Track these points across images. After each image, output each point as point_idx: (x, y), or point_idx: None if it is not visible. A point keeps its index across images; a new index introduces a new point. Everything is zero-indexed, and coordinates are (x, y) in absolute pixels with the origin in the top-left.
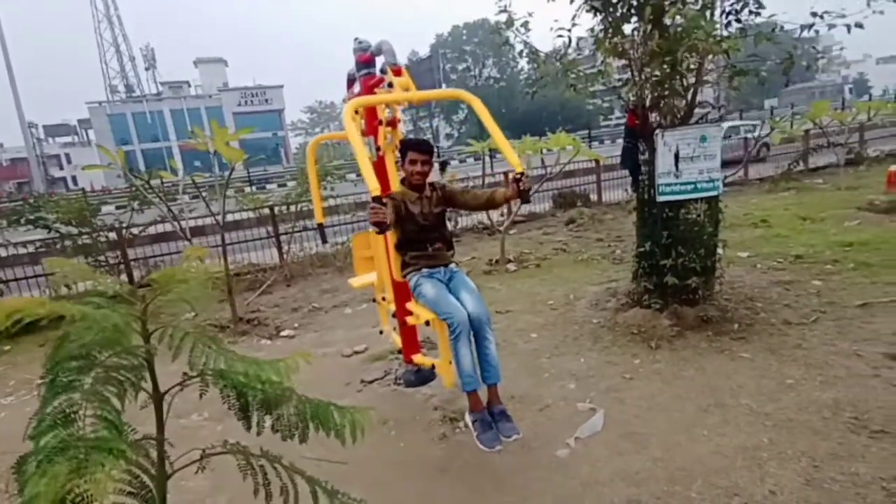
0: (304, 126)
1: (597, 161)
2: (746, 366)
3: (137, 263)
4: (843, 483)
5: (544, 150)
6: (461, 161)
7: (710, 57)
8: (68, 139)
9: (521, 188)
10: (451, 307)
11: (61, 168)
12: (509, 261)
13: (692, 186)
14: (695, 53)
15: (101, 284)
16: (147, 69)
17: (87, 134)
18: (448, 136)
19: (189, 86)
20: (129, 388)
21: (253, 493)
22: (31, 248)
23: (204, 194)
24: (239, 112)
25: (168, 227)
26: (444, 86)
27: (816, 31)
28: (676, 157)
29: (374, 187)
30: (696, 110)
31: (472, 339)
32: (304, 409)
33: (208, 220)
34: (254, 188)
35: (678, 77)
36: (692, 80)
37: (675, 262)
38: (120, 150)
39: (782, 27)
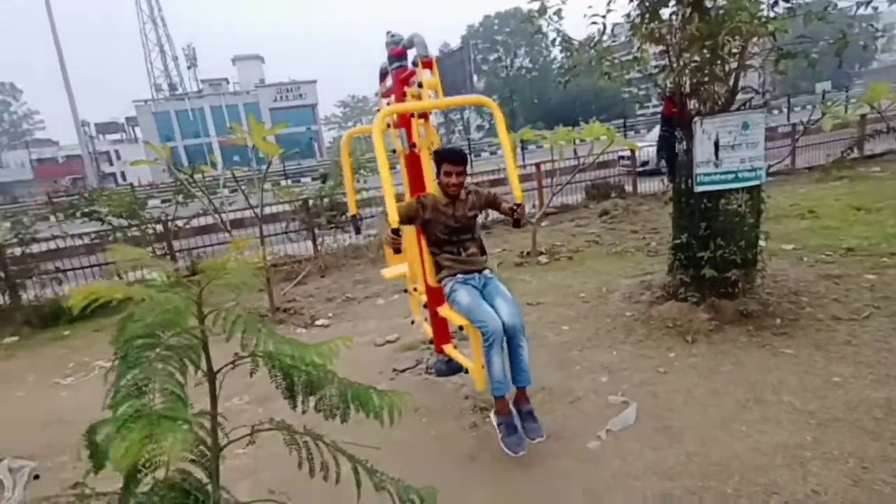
0: (337, 120)
1: (632, 151)
2: (789, 362)
3: (182, 254)
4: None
5: (577, 141)
6: (492, 153)
7: (755, 40)
8: (117, 136)
9: (515, 217)
10: (486, 315)
11: (111, 164)
12: (541, 253)
13: (733, 176)
14: (737, 36)
15: (160, 271)
16: (189, 68)
17: (134, 131)
18: (479, 127)
19: (228, 83)
20: (189, 365)
21: (297, 467)
22: (86, 240)
23: (243, 188)
24: (274, 108)
25: (209, 219)
26: (474, 77)
27: (875, 8)
28: (716, 145)
29: (393, 220)
30: (739, 96)
31: (505, 346)
32: (345, 391)
33: (247, 213)
34: (289, 181)
35: (719, 62)
36: (734, 64)
37: (713, 255)
38: (166, 146)
39: (836, 5)
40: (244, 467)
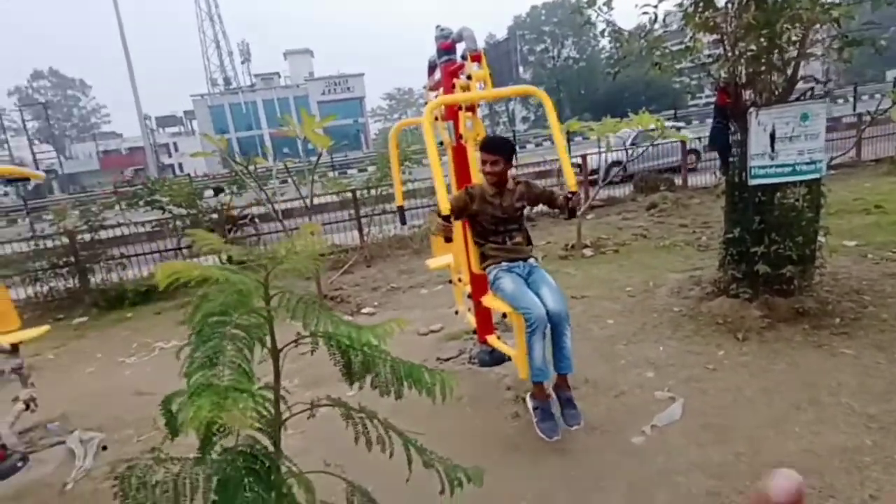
0: (384, 112)
1: (683, 143)
2: (849, 363)
3: (234, 243)
4: None
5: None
6: (537, 145)
7: (817, 27)
8: (175, 129)
9: (570, 206)
10: (530, 302)
11: (169, 155)
12: (586, 246)
13: (790, 169)
14: (798, 24)
15: (234, 253)
16: (243, 63)
17: (191, 124)
18: (524, 119)
19: (279, 77)
20: (256, 341)
21: (354, 441)
22: (147, 228)
23: (294, 178)
24: (323, 101)
25: (260, 209)
26: (520, 68)
27: None
28: (772, 137)
29: (444, 207)
30: (798, 86)
31: (549, 334)
32: (398, 369)
33: (296, 204)
34: (336, 173)
35: (777, 51)
36: (794, 53)
37: (767, 250)
38: (223, 139)
39: None
40: (295, 447)
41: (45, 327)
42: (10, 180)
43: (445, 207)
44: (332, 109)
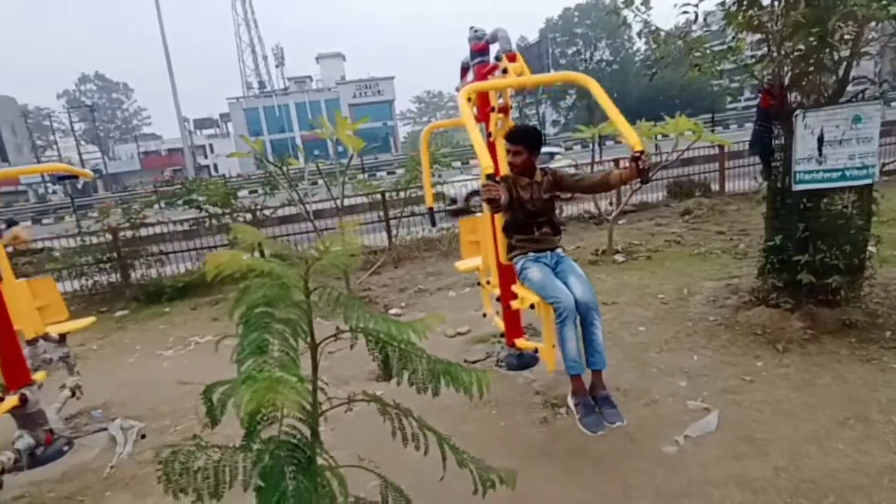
0: (413, 115)
1: (720, 147)
2: None
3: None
4: None
5: (659, 136)
6: (567, 148)
7: (872, 25)
8: (211, 131)
9: (641, 167)
10: (559, 291)
11: (205, 157)
12: (617, 251)
13: (839, 174)
14: (851, 22)
15: (276, 249)
16: (277, 66)
17: (226, 126)
18: (555, 122)
19: (311, 80)
20: (300, 333)
21: (388, 436)
22: (185, 226)
23: (325, 180)
24: (353, 103)
25: (291, 209)
26: (552, 71)
27: None
28: (820, 140)
29: (487, 164)
30: (849, 87)
31: (578, 325)
32: (434, 367)
33: (326, 205)
34: (366, 175)
35: (828, 50)
36: (846, 52)
37: (812, 258)
38: (259, 140)
39: None
40: (326, 442)
41: (91, 318)
42: (62, 177)
43: (488, 165)
44: (362, 112)
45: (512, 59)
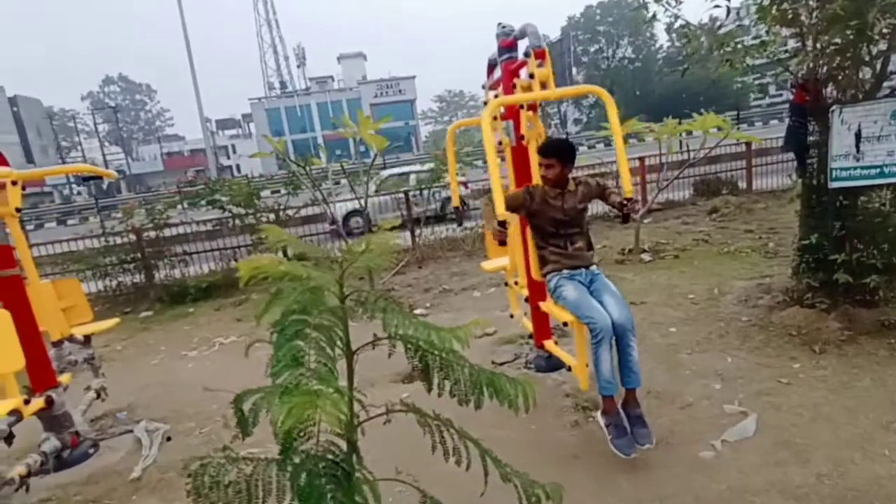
0: (434, 115)
1: (747, 144)
2: None
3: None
4: None
5: (684, 133)
6: (590, 147)
7: None
8: (234, 132)
9: (625, 211)
10: (594, 311)
11: (228, 157)
12: (644, 250)
13: (878, 171)
14: (889, 14)
15: (309, 251)
16: (298, 67)
17: (248, 127)
18: (576, 121)
19: (333, 80)
20: (335, 340)
21: (431, 451)
22: (208, 226)
23: (349, 179)
24: (375, 103)
25: (314, 209)
26: (574, 69)
27: None
28: (857, 136)
29: (500, 212)
30: (886, 82)
31: (614, 345)
32: (477, 377)
33: (348, 205)
34: (397, 174)
35: (865, 44)
36: (884, 46)
37: (849, 258)
38: (282, 140)
39: None
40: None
41: (116, 320)
42: (87, 178)
43: (502, 213)
44: (383, 112)
45: (541, 55)
